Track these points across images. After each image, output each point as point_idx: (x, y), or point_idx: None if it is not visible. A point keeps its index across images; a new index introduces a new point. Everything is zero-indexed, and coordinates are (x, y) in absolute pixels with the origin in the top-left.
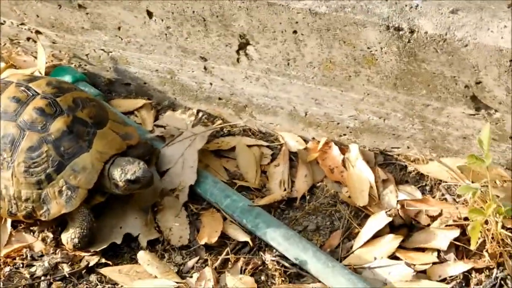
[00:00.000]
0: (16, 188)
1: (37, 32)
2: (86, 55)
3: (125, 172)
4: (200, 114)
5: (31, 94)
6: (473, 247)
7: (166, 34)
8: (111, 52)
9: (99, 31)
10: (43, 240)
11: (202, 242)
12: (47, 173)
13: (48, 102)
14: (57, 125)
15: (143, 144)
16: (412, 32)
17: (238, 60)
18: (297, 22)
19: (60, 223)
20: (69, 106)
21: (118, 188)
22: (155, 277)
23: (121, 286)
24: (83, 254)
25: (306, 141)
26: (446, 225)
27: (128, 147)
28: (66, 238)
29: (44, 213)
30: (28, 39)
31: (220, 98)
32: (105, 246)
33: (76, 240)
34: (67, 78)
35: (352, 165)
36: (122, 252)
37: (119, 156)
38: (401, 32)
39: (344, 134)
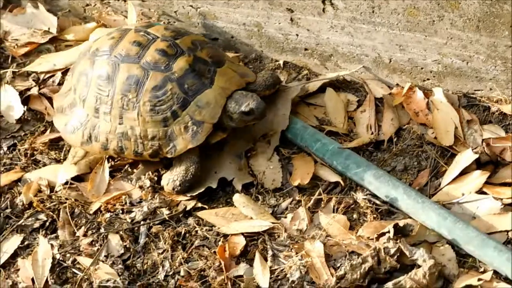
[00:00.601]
0: (142, 127)
1: None
2: (175, 12)
3: (240, 104)
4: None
5: (151, 38)
6: None
7: None
8: (199, 7)
9: None
10: (141, 187)
11: (295, 184)
12: (172, 110)
13: (169, 44)
14: (180, 64)
15: (264, 79)
16: None
17: (324, 10)
18: None
19: (158, 170)
20: (189, 47)
21: (232, 121)
22: (251, 218)
23: (218, 228)
24: (180, 198)
25: (390, 87)
26: None
27: (247, 84)
28: (167, 180)
29: (170, 150)
30: None
31: (306, 49)
32: (201, 191)
33: (177, 183)
34: None
35: (436, 108)
36: (218, 196)
37: (234, 91)
38: None
39: (428, 79)
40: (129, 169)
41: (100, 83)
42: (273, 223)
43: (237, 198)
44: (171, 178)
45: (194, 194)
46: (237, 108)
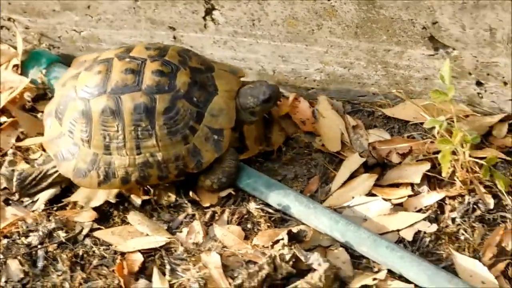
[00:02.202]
0: (164, 151)
1: (10, 19)
2: (59, 37)
3: (257, 96)
4: None
5: (140, 62)
6: (444, 174)
7: (134, 8)
8: (82, 31)
9: (70, 12)
10: (33, 211)
11: (206, 204)
12: (189, 125)
13: (161, 62)
14: (182, 79)
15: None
16: None
17: (205, 26)
18: None
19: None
20: (179, 60)
21: (255, 115)
22: (147, 235)
23: (115, 246)
24: (76, 220)
25: None
26: (417, 160)
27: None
28: (211, 180)
29: (196, 165)
30: (1, 27)
31: None
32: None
33: (223, 180)
34: (43, 61)
35: (322, 116)
36: (113, 216)
37: (239, 89)
38: None
39: (312, 88)
40: None
41: (104, 120)
42: (168, 238)
43: (132, 216)
44: (215, 178)
45: (93, 206)
46: (256, 100)
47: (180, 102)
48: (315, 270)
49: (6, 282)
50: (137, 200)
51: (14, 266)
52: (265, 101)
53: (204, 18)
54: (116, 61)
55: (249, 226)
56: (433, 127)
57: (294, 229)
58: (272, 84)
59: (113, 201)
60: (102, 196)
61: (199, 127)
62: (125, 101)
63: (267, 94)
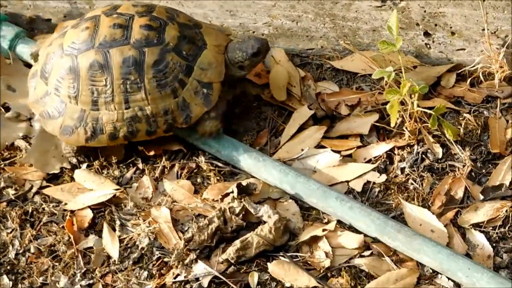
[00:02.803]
0: (152, 105)
1: None
2: None
3: (245, 50)
4: None
5: (128, 17)
6: (393, 124)
7: None
8: None
9: None
10: None
11: (151, 154)
12: (179, 79)
13: (149, 18)
14: (171, 33)
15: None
16: None
17: None
18: None
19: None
20: (167, 16)
21: (244, 69)
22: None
23: (65, 203)
24: (25, 178)
25: None
26: (366, 112)
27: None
28: (210, 126)
29: (185, 120)
30: None
31: None
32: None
33: (220, 125)
34: None
35: (271, 68)
36: (63, 173)
37: (227, 45)
38: None
39: None
40: None
41: (92, 75)
42: (115, 189)
43: (78, 173)
44: (213, 123)
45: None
46: (245, 54)
47: (169, 55)
48: (265, 222)
49: None
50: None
51: None
52: (254, 55)
53: None
54: (104, 17)
55: (198, 180)
56: (382, 78)
57: (244, 182)
58: (261, 38)
59: (68, 167)
60: (57, 164)
61: (189, 80)
62: (114, 55)
63: (255, 47)
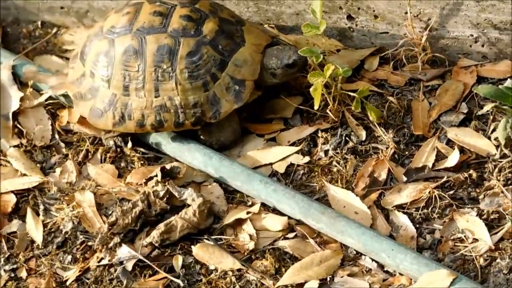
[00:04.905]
0: (182, 96)
1: None
2: None
3: (281, 58)
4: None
5: (170, 6)
6: (316, 107)
7: None
8: None
9: None
10: None
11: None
12: (211, 73)
13: (191, 9)
14: (209, 26)
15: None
16: None
17: None
18: None
19: None
20: (210, 10)
21: (276, 77)
22: (22, 174)
23: None
24: None
25: None
26: (289, 95)
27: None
28: (211, 141)
29: (214, 114)
30: None
31: (62, 7)
32: None
33: (224, 142)
34: None
35: None
36: None
37: (269, 48)
38: None
39: None
40: None
41: (126, 59)
42: (41, 178)
43: (11, 152)
44: (214, 139)
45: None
46: (279, 63)
47: (204, 48)
48: (189, 205)
49: None
50: (6, 144)
51: None
52: (288, 65)
53: None
54: (146, 4)
55: (122, 164)
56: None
57: (168, 166)
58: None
59: None
60: None
61: (221, 75)
62: (149, 42)
63: (291, 59)
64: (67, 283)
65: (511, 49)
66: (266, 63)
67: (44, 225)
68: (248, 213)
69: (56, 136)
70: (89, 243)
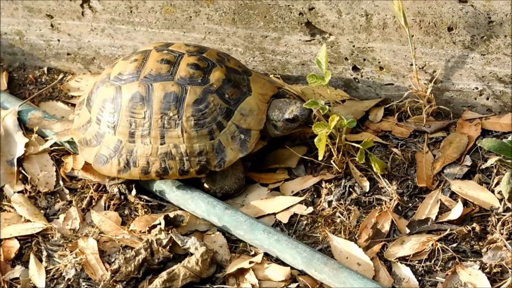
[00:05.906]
0: (187, 144)
1: None
2: None
3: (283, 111)
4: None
5: (177, 55)
6: (320, 158)
7: None
8: None
9: None
10: None
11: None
12: (217, 121)
13: (198, 57)
14: (216, 75)
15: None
16: None
17: (83, 13)
18: None
19: None
20: (217, 59)
21: (277, 129)
22: (25, 219)
23: None
24: None
25: None
26: (294, 145)
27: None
28: (214, 189)
29: (219, 163)
30: None
31: (68, 54)
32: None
33: (229, 190)
34: None
35: None
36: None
37: (275, 99)
38: None
39: None
40: None
41: (133, 106)
42: (45, 224)
43: (15, 197)
44: (217, 187)
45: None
46: (281, 115)
47: (211, 96)
48: (192, 254)
49: None
50: (10, 190)
51: None
52: (289, 120)
53: (81, 5)
54: (154, 52)
55: (126, 212)
56: (311, 112)
57: (171, 214)
58: (306, 109)
59: None
60: None
61: (227, 124)
62: (156, 89)
63: (292, 114)
64: None
65: None
66: (269, 114)
67: (47, 272)
68: (250, 262)
69: (61, 182)
70: None
